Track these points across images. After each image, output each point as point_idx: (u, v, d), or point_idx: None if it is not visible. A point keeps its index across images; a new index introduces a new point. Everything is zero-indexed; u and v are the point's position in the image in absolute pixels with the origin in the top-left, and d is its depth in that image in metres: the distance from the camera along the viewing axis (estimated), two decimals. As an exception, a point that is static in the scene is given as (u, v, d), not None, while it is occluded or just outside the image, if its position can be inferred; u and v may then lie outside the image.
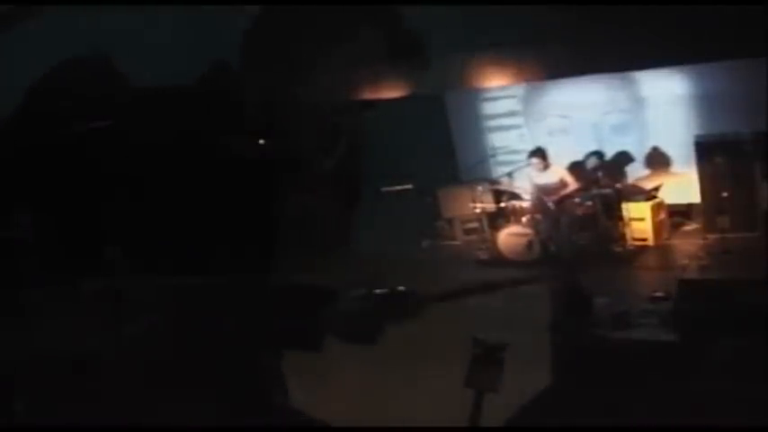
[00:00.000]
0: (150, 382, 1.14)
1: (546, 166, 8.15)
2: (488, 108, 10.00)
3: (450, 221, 9.21)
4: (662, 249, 7.74)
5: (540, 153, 8.17)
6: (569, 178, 8.15)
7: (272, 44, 1.30)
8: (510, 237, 7.65)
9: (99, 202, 1.19)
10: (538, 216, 7.81)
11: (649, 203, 7.82)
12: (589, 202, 7.79)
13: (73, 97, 1.26)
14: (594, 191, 7.81)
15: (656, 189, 8.11)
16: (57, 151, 1.20)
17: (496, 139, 9.88)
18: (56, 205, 1.18)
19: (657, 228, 7.82)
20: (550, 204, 7.82)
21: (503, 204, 8.17)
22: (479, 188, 8.53)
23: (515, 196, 8.11)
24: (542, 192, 8.06)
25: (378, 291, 1.43)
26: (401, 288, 1.47)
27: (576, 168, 8.37)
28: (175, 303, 1.12)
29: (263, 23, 1.33)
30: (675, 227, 8.28)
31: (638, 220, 7.78)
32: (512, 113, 9.81)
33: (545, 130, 9.51)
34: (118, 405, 1.13)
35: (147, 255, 1.13)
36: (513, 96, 9.70)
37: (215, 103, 1.31)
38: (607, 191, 7.83)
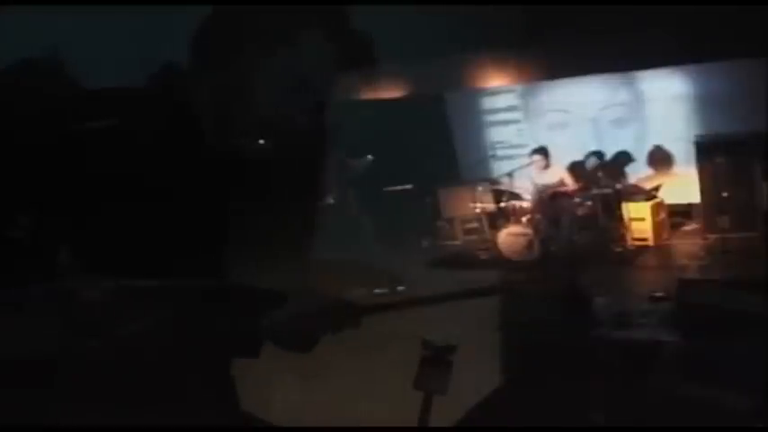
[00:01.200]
0: (106, 385, 1.13)
1: (547, 165, 8.18)
2: (487, 103, 10.01)
3: (450, 221, 9.21)
4: (662, 249, 7.74)
5: (542, 151, 8.21)
6: (569, 179, 8.17)
7: (219, 44, 1.30)
8: (510, 237, 7.65)
9: (55, 203, 1.19)
10: (538, 216, 7.82)
11: (649, 203, 7.82)
12: (589, 202, 7.79)
13: (24, 99, 1.26)
14: (594, 191, 7.81)
15: (656, 189, 8.11)
16: (13, 152, 1.20)
17: (495, 135, 9.90)
18: (10, 207, 1.18)
19: (657, 228, 7.82)
20: (546, 194, 7.85)
21: (503, 204, 8.17)
22: (479, 188, 8.54)
23: (515, 196, 8.11)
24: (543, 191, 8.07)
25: (315, 300, 1.44)
26: (339, 298, 1.48)
27: (576, 168, 8.38)
28: (138, 307, 1.11)
29: (210, 23, 1.33)
30: (675, 227, 8.28)
31: (638, 220, 7.78)
32: (511, 109, 9.82)
33: (544, 125, 9.54)
34: (73, 409, 1.13)
35: (100, 257, 1.12)
36: (511, 91, 9.72)
37: (167, 103, 1.31)
38: (607, 191, 7.83)
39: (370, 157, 8.64)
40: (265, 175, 1.37)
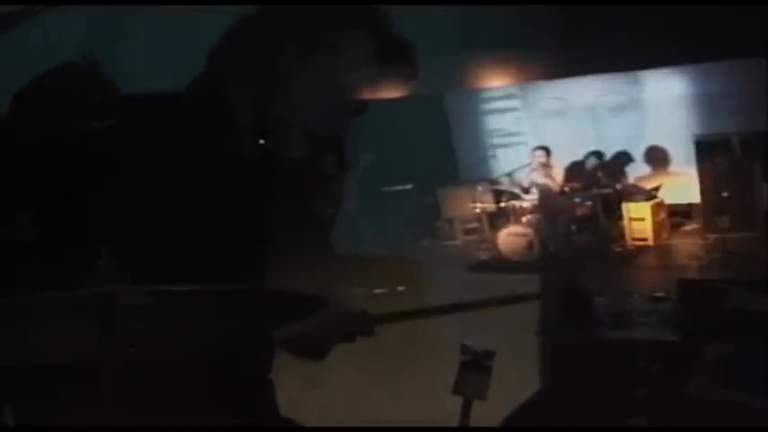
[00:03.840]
0: (137, 387, 1.12)
1: (548, 164, 8.20)
2: (487, 100, 10.00)
3: (450, 221, 9.21)
4: (662, 249, 7.74)
5: (544, 148, 8.24)
6: (559, 177, 8.22)
7: (256, 46, 1.29)
8: (510, 237, 7.65)
9: (86, 206, 1.18)
10: (538, 216, 7.82)
11: (649, 203, 7.82)
12: (589, 202, 7.80)
13: (62, 101, 1.25)
14: (594, 191, 7.82)
15: (656, 189, 8.12)
16: (45, 154, 1.20)
17: (493, 123, 9.90)
18: (45, 207, 1.18)
19: (657, 228, 7.82)
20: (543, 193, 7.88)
21: (503, 204, 8.17)
22: (479, 188, 8.54)
23: (515, 196, 8.12)
24: (543, 191, 8.08)
25: (329, 309, 1.44)
26: (353, 307, 1.49)
27: (575, 168, 8.39)
28: (165, 310, 1.11)
29: (248, 24, 1.32)
30: (675, 227, 8.28)
31: (638, 220, 7.79)
32: (508, 96, 9.79)
33: (541, 112, 9.55)
34: (102, 411, 1.13)
35: (135, 261, 1.12)
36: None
37: (204, 106, 1.30)
38: (607, 191, 7.83)
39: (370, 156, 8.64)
40: (300, 176, 1.37)
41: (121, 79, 1.33)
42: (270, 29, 1.29)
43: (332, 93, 1.29)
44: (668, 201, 8.15)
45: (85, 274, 1.05)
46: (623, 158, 8.62)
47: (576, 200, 7.84)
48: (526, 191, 8.13)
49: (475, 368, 1.47)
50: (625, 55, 7.64)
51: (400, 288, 5.92)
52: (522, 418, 2.63)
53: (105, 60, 1.32)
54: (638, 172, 8.71)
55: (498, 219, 8.28)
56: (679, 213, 8.38)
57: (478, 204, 8.49)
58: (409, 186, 9.08)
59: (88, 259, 1.05)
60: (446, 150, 9.87)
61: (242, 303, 1.23)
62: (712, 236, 7.55)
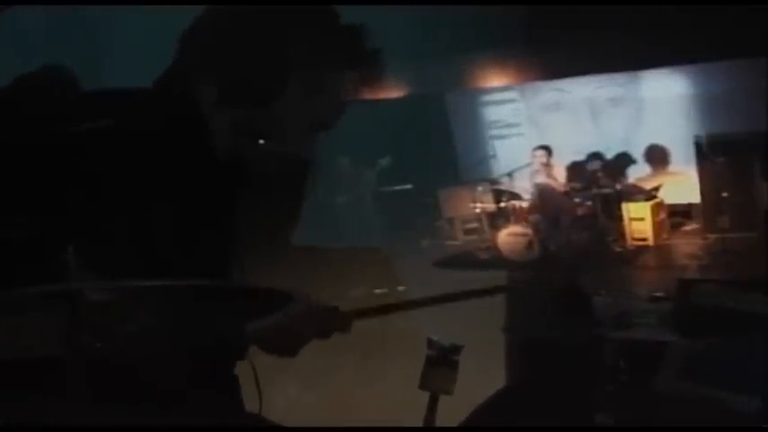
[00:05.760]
0: (103, 383, 1.13)
1: (548, 164, 8.21)
2: (485, 93, 10.01)
3: (450, 221, 9.21)
4: (662, 249, 7.74)
5: (546, 147, 8.25)
6: (562, 177, 8.22)
7: (215, 44, 1.29)
8: (510, 237, 7.65)
9: (60, 205, 1.18)
10: (538, 216, 7.83)
11: (649, 203, 7.82)
12: (589, 202, 7.80)
13: (32, 103, 1.25)
14: (594, 191, 7.82)
15: (656, 189, 8.12)
16: (16, 154, 1.20)
17: (491, 114, 9.91)
18: (15, 207, 1.18)
19: (657, 228, 7.82)
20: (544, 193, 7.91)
21: (503, 204, 8.17)
22: (479, 188, 8.54)
23: (515, 196, 8.12)
24: (545, 191, 8.09)
25: (302, 305, 1.43)
26: (326, 304, 1.49)
27: (576, 168, 8.40)
28: (133, 305, 1.11)
29: (205, 23, 1.32)
30: (675, 227, 8.28)
31: (638, 220, 7.78)
32: (506, 88, 9.80)
33: (539, 104, 9.56)
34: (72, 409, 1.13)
35: (105, 258, 1.12)
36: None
37: (172, 104, 1.30)
38: (607, 191, 7.83)
39: (385, 159, 8.71)
40: (269, 175, 1.36)
41: (91, 78, 1.32)
42: (222, 27, 1.29)
43: (309, 94, 1.29)
44: (668, 201, 8.15)
45: (55, 271, 1.05)
46: (624, 159, 8.63)
47: (577, 200, 7.85)
48: (530, 193, 8.15)
49: (441, 363, 1.47)
50: (625, 55, 7.64)
51: (400, 288, 5.91)
52: (520, 416, 2.63)
53: (78, 59, 1.32)
54: (638, 172, 8.71)
55: (498, 219, 8.29)
56: (679, 213, 8.38)
57: (478, 204, 8.50)
58: (409, 186, 9.08)
59: (57, 256, 1.05)
60: (446, 150, 9.87)
61: (211, 299, 1.23)
62: (712, 236, 7.54)
